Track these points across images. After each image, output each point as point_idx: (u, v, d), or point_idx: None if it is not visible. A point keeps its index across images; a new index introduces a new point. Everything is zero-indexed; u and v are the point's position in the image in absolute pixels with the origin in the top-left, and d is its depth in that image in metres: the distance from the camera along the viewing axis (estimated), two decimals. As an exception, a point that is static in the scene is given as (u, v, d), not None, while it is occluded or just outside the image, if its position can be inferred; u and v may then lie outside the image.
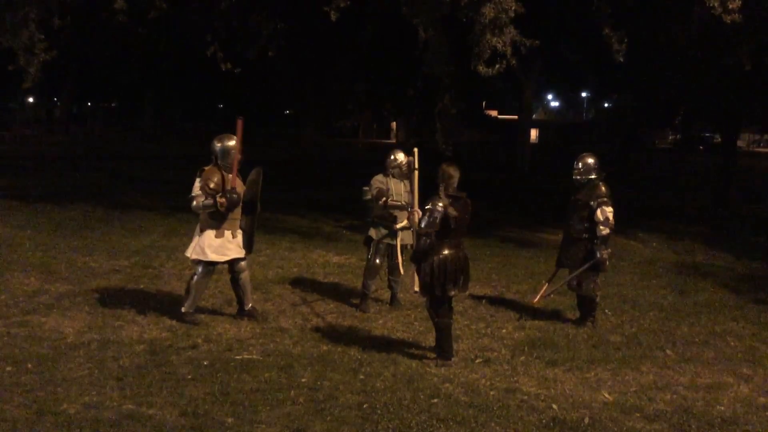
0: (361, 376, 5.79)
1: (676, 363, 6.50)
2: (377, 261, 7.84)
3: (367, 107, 22.41)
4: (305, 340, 6.70)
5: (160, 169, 23.49)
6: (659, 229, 14.55)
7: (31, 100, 54.36)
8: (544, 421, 5.11)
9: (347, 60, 15.00)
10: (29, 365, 5.72)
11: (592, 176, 7.51)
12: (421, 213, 6.37)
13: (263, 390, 5.41)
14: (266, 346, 6.45)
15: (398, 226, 7.76)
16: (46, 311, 7.23)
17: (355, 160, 29.95)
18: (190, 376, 5.63)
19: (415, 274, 6.36)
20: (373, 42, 13.50)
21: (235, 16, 12.91)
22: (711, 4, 9.83)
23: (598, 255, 7.32)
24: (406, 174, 7.78)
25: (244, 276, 7.22)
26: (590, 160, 7.57)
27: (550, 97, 61.13)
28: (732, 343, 7.16)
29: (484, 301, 8.38)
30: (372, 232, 7.88)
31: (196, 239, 7.07)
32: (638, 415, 5.29)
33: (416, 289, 6.41)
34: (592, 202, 7.36)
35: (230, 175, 6.95)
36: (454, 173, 6.14)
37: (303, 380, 5.65)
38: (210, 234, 6.97)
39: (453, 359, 6.19)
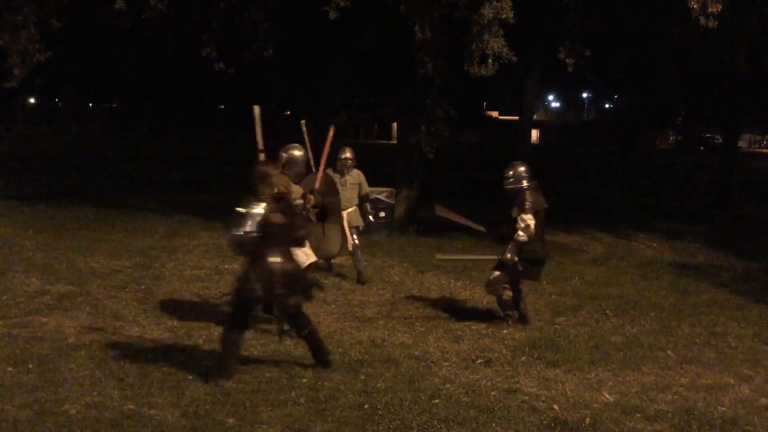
0: (362, 377, 5.80)
1: (677, 363, 6.49)
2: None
3: (365, 108, 22.36)
4: (306, 340, 6.70)
5: (161, 170, 23.49)
6: (660, 230, 14.54)
7: (32, 100, 54.38)
8: (545, 421, 5.11)
9: (345, 60, 14.96)
10: (30, 365, 5.73)
11: (523, 184, 7.40)
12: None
13: (264, 390, 5.42)
14: (267, 347, 6.46)
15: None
16: (47, 311, 7.24)
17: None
18: (191, 377, 5.63)
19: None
20: (371, 42, 13.45)
21: (232, 16, 12.85)
22: (691, 5, 9.83)
23: (505, 256, 7.29)
24: (350, 168, 9.17)
25: None
26: (521, 168, 7.48)
27: (551, 97, 61.02)
28: (733, 344, 7.15)
29: (484, 302, 8.38)
30: None
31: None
32: (639, 415, 5.29)
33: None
34: (515, 210, 7.27)
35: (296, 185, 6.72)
36: (271, 172, 5.66)
37: (304, 381, 5.65)
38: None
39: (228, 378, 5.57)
